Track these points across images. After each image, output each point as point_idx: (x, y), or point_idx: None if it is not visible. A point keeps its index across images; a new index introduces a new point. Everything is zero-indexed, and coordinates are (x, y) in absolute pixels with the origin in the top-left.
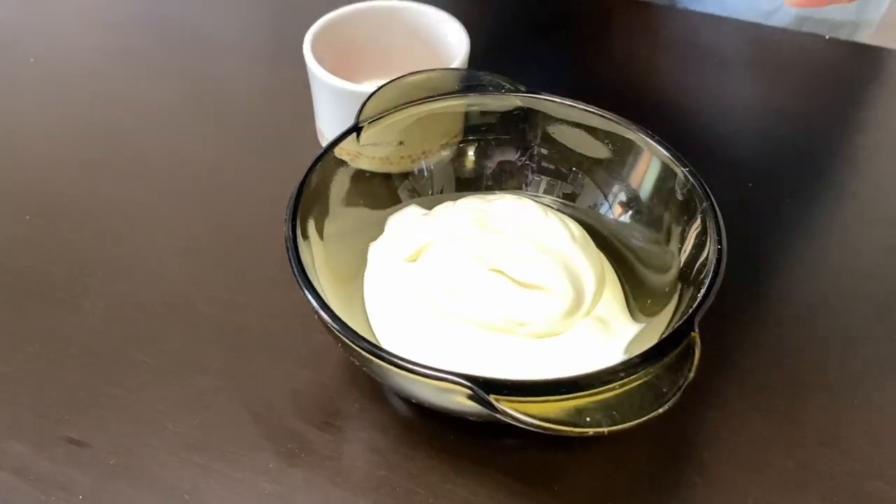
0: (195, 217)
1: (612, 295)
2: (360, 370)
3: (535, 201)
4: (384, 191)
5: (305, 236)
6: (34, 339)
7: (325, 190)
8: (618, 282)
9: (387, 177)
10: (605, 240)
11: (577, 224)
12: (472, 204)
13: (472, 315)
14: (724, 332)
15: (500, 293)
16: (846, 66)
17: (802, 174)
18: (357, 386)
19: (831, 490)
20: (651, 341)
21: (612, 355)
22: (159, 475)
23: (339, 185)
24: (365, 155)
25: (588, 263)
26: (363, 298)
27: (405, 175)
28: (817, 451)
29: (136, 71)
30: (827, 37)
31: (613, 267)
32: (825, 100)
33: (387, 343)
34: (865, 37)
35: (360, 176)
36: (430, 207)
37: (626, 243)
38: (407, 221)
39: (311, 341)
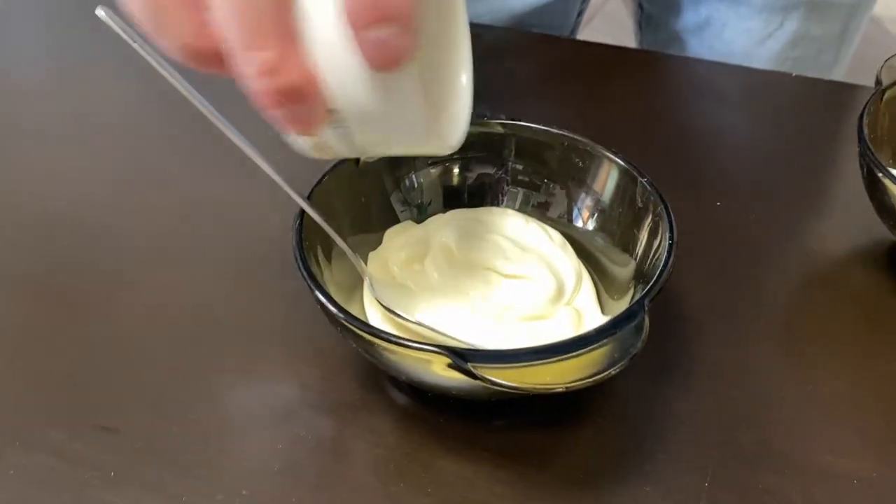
0: (215, 233)
1: (587, 292)
2: (362, 367)
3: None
4: (381, 207)
5: (313, 254)
6: (69, 343)
7: (327, 207)
8: (591, 280)
9: (384, 193)
10: (577, 244)
11: (555, 230)
12: (459, 215)
13: (464, 306)
14: (690, 330)
15: (491, 285)
16: (814, 100)
17: (768, 195)
18: (358, 379)
19: (784, 464)
20: None
21: None
22: (179, 456)
23: (340, 204)
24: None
25: (567, 261)
26: (362, 299)
27: (397, 186)
28: (771, 429)
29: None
30: (794, 74)
31: (587, 268)
32: (794, 131)
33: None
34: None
35: (357, 197)
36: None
37: (595, 246)
38: (402, 233)
39: (318, 343)
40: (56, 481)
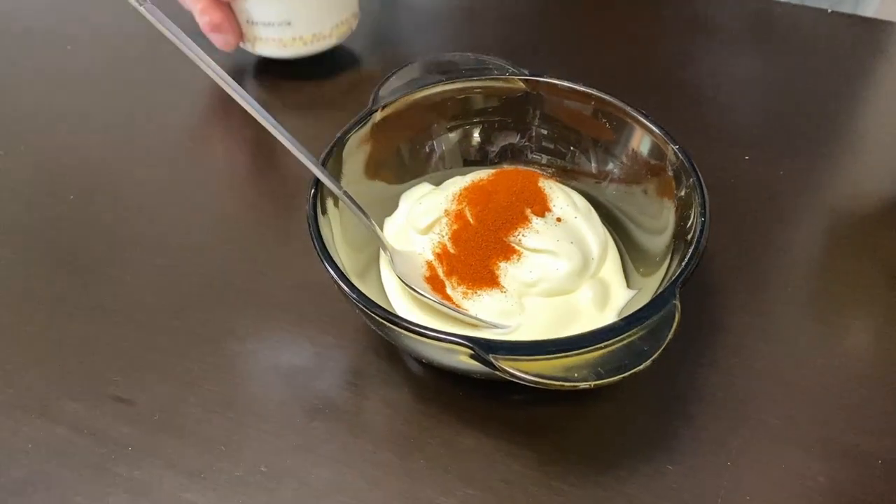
0: (225, 196)
1: (612, 263)
2: (378, 335)
3: (540, 175)
4: (397, 169)
5: (325, 212)
6: (82, 309)
7: (341, 167)
8: (617, 250)
9: (399, 156)
10: (604, 208)
11: (579, 195)
12: (479, 179)
13: (484, 280)
14: (715, 296)
15: (513, 260)
16: (848, 40)
17: (797, 148)
18: (375, 349)
19: (810, 442)
20: (640, 305)
21: (608, 316)
22: (197, 429)
23: (355, 163)
24: (259, 37)
25: (592, 232)
26: (379, 267)
27: (415, 154)
28: (796, 405)
29: (169, 56)
30: (829, 10)
31: (612, 235)
32: (826, 73)
33: (401, 307)
34: (868, 9)
35: (374, 156)
36: (439, 184)
37: (622, 212)
38: (419, 197)
39: (333, 309)
40: (75, 456)
